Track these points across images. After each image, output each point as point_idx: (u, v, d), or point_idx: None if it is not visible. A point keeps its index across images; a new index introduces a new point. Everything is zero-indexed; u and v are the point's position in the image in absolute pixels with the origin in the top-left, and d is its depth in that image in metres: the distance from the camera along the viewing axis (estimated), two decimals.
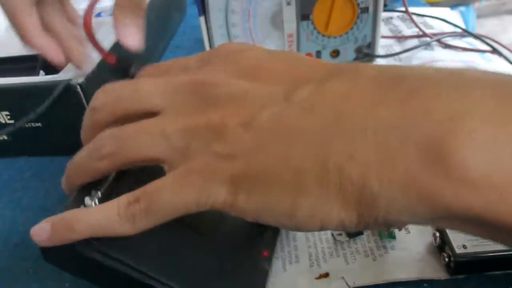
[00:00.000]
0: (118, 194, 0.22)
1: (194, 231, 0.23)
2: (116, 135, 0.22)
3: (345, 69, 0.21)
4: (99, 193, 0.23)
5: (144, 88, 0.23)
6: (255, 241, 0.24)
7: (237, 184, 0.19)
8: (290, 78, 0.21)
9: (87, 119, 0.24)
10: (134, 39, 0.31)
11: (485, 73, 0.19)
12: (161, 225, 0.22)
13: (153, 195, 0.20)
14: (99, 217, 0.21)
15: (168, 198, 0.20)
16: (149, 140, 0.21)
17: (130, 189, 0.21)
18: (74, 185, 0.24)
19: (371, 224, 0.18)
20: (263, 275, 0.23)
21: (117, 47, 0.40)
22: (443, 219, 0.17)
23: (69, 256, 0.22)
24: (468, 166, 0.16)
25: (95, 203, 0.22)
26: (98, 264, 0.21)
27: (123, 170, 0.24)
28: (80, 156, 0.23)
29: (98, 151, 0.22)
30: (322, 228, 0.19)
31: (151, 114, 0.22)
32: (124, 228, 0.20)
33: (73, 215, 0.21)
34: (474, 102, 0.17)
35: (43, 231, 0.21)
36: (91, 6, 0.32)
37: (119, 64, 0.33)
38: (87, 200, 0.22)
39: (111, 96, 0.23)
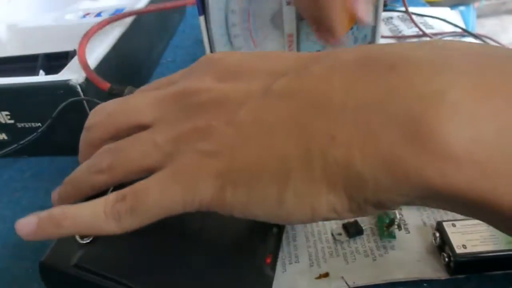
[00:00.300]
0: None
1: (194, 242, 0.23)
2: (112, 149, 0.23)
3: (323, 55, 0.21)
4: None
5: (133, 103, 0.24)
6: (257, 248, 0.24)
7: (222, 180, 0.19)
8: (269, 72, 0.21)
9: (83, 139, 0.25)
10: (368, 15, 0.35)
11: (469, 44, 0.19)
12: (160, 238, 0.23)
13: (139, 193, 0.20)
14: (86, 213, 0.21)
15: (154, 197, 0.20)
16: (142, 151, 0.21)
17: None
18: (68, 200, 0.23)
19: (363, 206, 0.18)
20: (267, 282, 0.23)
21: (118, 46, 0.40)
22: (430, 198, 0.17)
23: (65, 276, 0.22)
24: (450, 142, 0.15)
25: None
26: (95, 286, 0.21)
27: (118, 186, 0.24)
28: (79, 171, 0.24)
29: (96, 165, 0.23)
30: (314, 216, 0.19)
31: (143, 127, 0.23)
32: (109, 226, 0.20)
33: (60, 210, 0.21)
34: (457, 75, 0.17)
35: (28, 225, 0.21)
36: (85, 39, 0.36)
37: (112, 90, 0.35)
38: None
39: (103, 114, 0.24)
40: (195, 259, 0.23)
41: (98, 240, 0.22)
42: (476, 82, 0.16)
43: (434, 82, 0.16)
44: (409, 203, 0.18)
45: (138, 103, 0.24)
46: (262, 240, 0.24)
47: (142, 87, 0.27)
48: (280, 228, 0.25)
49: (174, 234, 0.23)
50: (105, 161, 0.22)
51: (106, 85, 0.35)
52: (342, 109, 0.18)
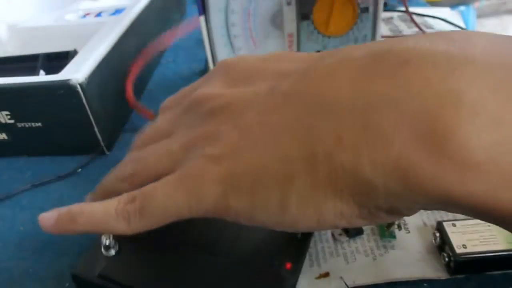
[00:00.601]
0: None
1: (210, 252, 0.24)
2: (134, 158, 0.24)
3: (331, 53, 0.19)
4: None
5: (161, 120, 0.26)
6: (276, 254, 0.24)
7: (226, 185, 0.19)
8: (277, 74, 0.21)
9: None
10: None
11: (492, 35, 0.17)
12: (178, 251, 0.23)
13: (147, 195, 0.20)
14: (100, 211, 0.21)
15: (159, 200, 0.20)
16: (156, 158, 0.22)
17: None
18: None
19: (375, 212, 0.17)
20: (285, 287, 0.22)
21: (118, 46, 0.40)
22: (448, 206, 0.16)
23: (91, 286, 0.23)
24: (470, 147, 0.14)
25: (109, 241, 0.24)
26: None
27: None
28: (107, 178, 0.26)
29: (121, 174, 0.24)
30: (320, 223, 0.18)
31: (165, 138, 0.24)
32: (119, 226, 0.21)
33: (78, 208, 0.22)
34: (478, 71, 0.15)
35: (49, 219, 0.22)
36: (130, 76, 0.40)
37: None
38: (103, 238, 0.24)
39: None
40: (215, 268, 0.23)
41: (122, 253, 0.24)
42: (499, 79, 0.15)
43: (452, 79, 0.15)
44: (427, 208, 0.17)
45: (160, 124, 0.26)
46: (284, 245, 0.24)
47: (168, 99, 0.28)
48: (306, 233, 0.25)
49: (194, 245, 0.24)
50: (128, 170, 0.24)
51: (151, 114, 0.39)
52: (350, 108, 0.16)
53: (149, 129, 0.26)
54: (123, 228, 0.21)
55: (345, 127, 0.16)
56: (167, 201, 0.20)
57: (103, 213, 0.21)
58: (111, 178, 0.25)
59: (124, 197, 0.21)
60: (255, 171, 0.18)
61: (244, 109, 0.20)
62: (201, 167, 0.20)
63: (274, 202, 0.18)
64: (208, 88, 0.23)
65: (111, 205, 0.21)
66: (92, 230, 0.21)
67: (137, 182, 0.23)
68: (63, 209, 0.22)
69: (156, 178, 0.22)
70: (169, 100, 0.28)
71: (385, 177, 0.15)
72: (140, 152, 0.24)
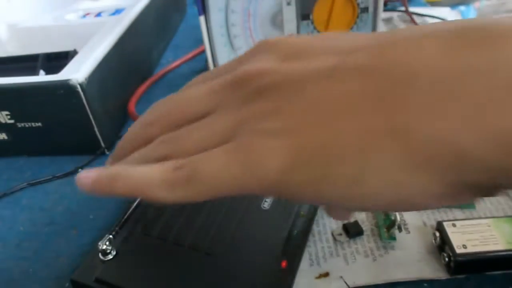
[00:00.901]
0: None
1: (206, 253, 0.24)
2: (167, 140, 0.21)
3: (405, 30, 0.18)
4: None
5: (191, 95, 0.22)
6: (271, 253, 0.24)
7: (292, 159, 0.17)
8: (339, 50, 0.19)
9: (139, 135, 0.23)
10: None
11: None
12: (174, 254, 0.23)
13: (198, 164, 0.19)
14: (142, 175, 0.20)
15: (213, 169, 0.18)
16: (199, 138, 0.20)
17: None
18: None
19: (464, 190, 0.16)
20: (281, 285, 0.23)
21: (118, 46, 0.40)
22: None
23: None
24: None
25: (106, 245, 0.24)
26: None
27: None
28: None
29: (151, 155, 0.21)
30: (399, 200, 0.16)
31: (201, 118, 0.21)
32: (161, 193, 0.19)
33: (118, 170, 0.21)
34: None
35: (87, 179, 0.21)
36: (133, 98, 0.42)
37: None
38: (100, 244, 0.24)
39: (162, 110, 0.23)
40: (211, 269, 0.23)
41: (119, 257, 0.24)
42: None
43: None
44: None
45: (196, 94, 0.22)
46: (281, 243, 0.24)
47: (197, 77, 0.25)
48: (302, 231, 0.25)
49: (190, 247, 0.24)
50: (161, 151, 0.21)
51: None
52: (439, 78, 0.15)
53: (180, 100, 0.23)
54: (165, 196, 0.19)
55: (437, 96, 0.15)
56: (220, 172, 0.18)
57: (145, 177, 0.19)
58: (135, 126, 0.23)
59: (169, 164, 0.19)
60: (326, 144, 0.17)
61: (307, 84, 0.18)
62: (261, 141, 0.18)
63: (349, 175, 0.16)
64: (259, 64, 0.21)
65: (156, 170, 0.19)
66: (130, 194, 0.20)
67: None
68: (103, 170, 0.21)
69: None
70: (202, 75, 0.25)
71: (481, 149, 0.14)
72: (174, 133, 0.21)
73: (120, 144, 0.24)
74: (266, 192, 0.18)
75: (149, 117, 0.23)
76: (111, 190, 0.20)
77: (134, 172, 0.20)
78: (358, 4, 0.43)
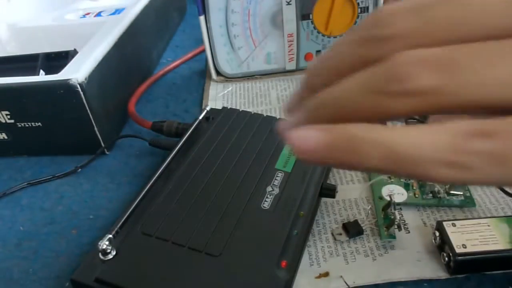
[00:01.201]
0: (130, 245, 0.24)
1: (205, 253, 0.24)
2: (436, 62, 0.12)
3: None
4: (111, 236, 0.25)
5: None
6: (271, 253, 0.24)
7: None
8: None
9: (359, 52, 0.14)
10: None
11: None
12: (174, 254, 0.23)
13: None
14: (410, 142, 0.12)
15: None
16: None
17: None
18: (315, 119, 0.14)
19: None
20: (280, 285, 0.23)
21: (118, 46, 0.40)
22: None
23: None
24: None
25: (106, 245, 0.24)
26: None
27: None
28: (355, 82, 0.13)
29: (400, 82, 0.12)
30: None
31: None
32: (449, 172, 0.12)
33: (364, 130, 0.13)
34: None
35: (309, 140, 0.13)
36: (133, 98, 0.42)
37: (155, 126, 0.38)
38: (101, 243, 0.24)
39: (416, 18, 0.13)
40: (211, 269, 0.23)
41: (119, 256, 0.24)
42: None
43: None
44: None
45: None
46: (280, 243, 0.24)
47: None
48: (302, 231, 0.25)
49: (189, 247, 0.24)
50: (425, 81, 0.12)
51: (148, 124, 0.38)
52: None
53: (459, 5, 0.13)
54: (455, 176, 0.12)
55: None
56: None
57: (417, 146, 0.12)
58: (338, 43, 0.14)
59: (465, 126, 0.12)
60: None
61: None
62: None
63: None
64: None
65: (441, 136, 0.12)
66: (385, 170, 0.13)
67: (449, 103, 0.12)
68: (333, 128, 0.13)
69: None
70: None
71: None
72: (453, 51, 0.12)
73: (318, 66, 0.15)
74: None
75: (387, 30, 0.13)
76: (355, 161, 0.13)
77: (394, 137, 0.12)
78: (358, 4, 0.43)
